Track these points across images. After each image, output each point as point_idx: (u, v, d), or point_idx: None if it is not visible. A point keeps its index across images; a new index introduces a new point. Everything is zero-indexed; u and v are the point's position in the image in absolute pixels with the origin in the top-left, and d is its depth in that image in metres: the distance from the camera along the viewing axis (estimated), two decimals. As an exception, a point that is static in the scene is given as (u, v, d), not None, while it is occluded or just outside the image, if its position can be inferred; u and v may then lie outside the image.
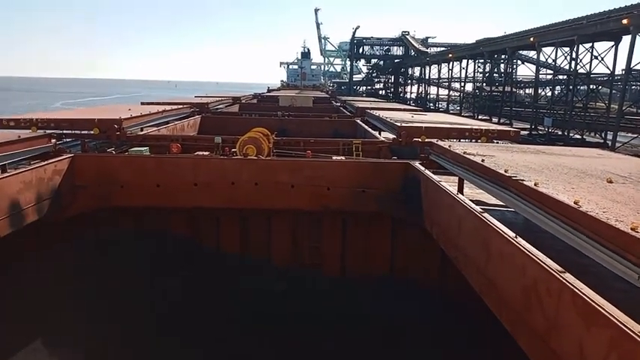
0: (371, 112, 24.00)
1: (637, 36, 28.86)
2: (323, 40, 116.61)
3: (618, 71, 36.73)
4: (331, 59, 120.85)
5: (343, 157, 14.53)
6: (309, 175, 12.35)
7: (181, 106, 24.11)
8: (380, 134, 19.26)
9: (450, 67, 73.10)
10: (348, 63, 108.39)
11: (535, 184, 6.54)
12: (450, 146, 11.15)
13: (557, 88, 46.33)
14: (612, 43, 34.89)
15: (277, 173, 12.39)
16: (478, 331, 9.96)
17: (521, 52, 55.24)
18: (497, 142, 14.83)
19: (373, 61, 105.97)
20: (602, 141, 35.56)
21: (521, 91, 72.94)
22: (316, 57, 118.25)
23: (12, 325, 9.63)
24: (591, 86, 39.32)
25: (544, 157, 9.94)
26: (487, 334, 8.90)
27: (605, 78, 39.82)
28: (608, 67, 36.55)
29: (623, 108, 34.30)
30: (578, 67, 37.62)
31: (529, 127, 43.11)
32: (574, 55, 37.73)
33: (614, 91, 38.68)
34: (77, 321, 10.31)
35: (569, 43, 38.30)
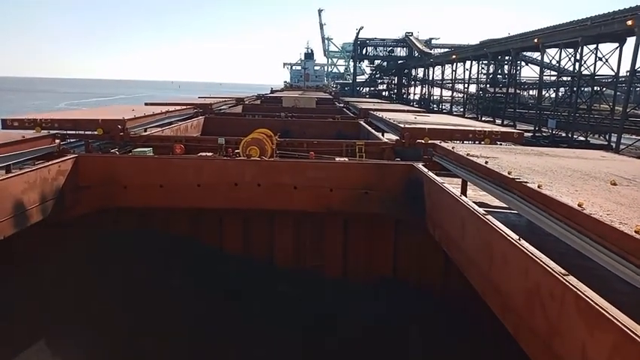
0: (374, 113, 23.99)
1: (642, 37, 28.77)
2: (326, 41, 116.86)
3: (623, 73, 36.65)
4: (334, 60, 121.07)
5: (346, 159, 14.53)
6: (312, 177, 12.35)
7: (185, 107, 24.16)
8: (383, 135, 19.24)
9: (454, 69, 73.05)
10: (352, 64, 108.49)
11: (539, 187, 6.53)
12: (453, 148, 11.13)
13: (561, 89, 46.32)
14: (617, 44, 34.81)
15: (280, 174, 12.40)
16: (481, 334, 9.94)
17: (525, 53, 55.20)
18: (501, 144, 14.78)
19: (376, 62, 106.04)
20: (606, 143, 35.47)
21: (525, 93, 72.82)
22: (320, 58, 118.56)
23: (15, 325, 9.66)
24: (595, 88, 39.24)
25: (548, 159, 9.92)
26: (490, 337, 8.88)
27: (609, 79, 39.69)
28: (612, 69, 36.51)
29: (628, 110, 34.19)
30: (583, 68, 37.53)
31: (533, 128, 43.01)
32: (578, 57, 37.66)
33: (618, 93, 38.54)
34: (80, 321, 10.35)
35: (573, 44, 38.22)
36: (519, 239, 6.10)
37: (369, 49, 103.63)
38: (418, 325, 11.33)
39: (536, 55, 53.07)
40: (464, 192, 10.04)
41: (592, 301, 4.37)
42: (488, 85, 61.68)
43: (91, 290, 11.05)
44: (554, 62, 44.50)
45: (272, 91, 72.39)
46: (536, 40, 43.17)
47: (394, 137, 17.11)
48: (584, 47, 36.82)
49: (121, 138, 14.99)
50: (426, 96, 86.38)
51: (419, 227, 11.38)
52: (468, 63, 67.81)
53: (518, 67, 59.79)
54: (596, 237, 5.06)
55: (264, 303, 12.13)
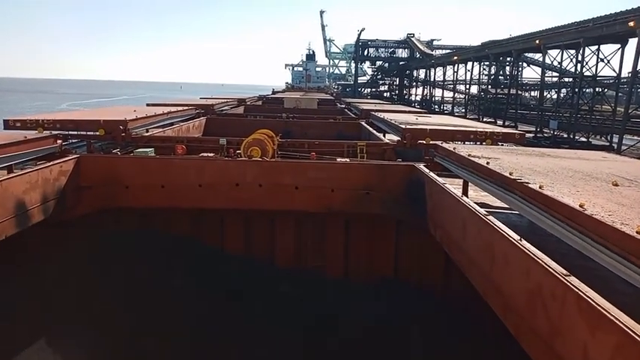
0: (375, 114, 23.98)
1: (643, 38, 28.75)
2: (328, 42, 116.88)
3: (624, 74, 36.63)
4: (336, 61, 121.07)
5: (347, 159, 14.53)
6: (314, 177, 12.35)
7: (186, 108, 24.18)
8: (384, 136, 19.24)
9: (455, 70, 73.07)
10: (353, 65, 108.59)
11: (540, 187, 6.52)
12: (454, 148, 11.12)
13: (563, 90, 46.24)
14: (618, 45, 34.78)
15: (281, 175, 12.40)
16: (482, 334, 9.92)
17: (526, 54, 55.17)
18: (502, 145, 14.77)
19: (378, 63, 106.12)
20: (607, 144, 35.42)
21: (527, 94, 72.79)
22: (321, 59, 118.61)
23: (17, 325, 9.68)
24: (597, 89, 39.19)
25: (549, 159, 9.90)
26: (491, 338, 8.87)
27: (611, 81, 39.65)
28: (614, 70, 36.46)
29: (629, 111, 34.18)
30: (584, 69, 37.50)
31: (534, 129, 42.99)
32: (580, 58, 37.62)
33: (620, 94, 38.51)
34: (81, 321, 10.36)
35: (575, 45, 38.21)
36: (521, 240, 6.09)
37: (371, 50, 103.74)
38: (419, 326, 11.32)
39: (537, 56, 53.09)
40: (465, 193, 10.03)
41: (593, 301, 4.36)
42: (489, 86, 61.68)
43: (92, 290, 11.06)
44: (555, 63, 44.52)
45: (273, 92, 72.48)
46: (537, 42, 43.16)
47: (395, 138, 17.11)
48: (586, 48, 36.79)
49: (123, 138, 15.01)
50: (428, 97, 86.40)
51: (420, 228, 11.37)
52: (469, 64, 67.79)
53: (520, 68, 59.77)
54: (598, 238, 5.05)
55: (265, 303, 12.12)
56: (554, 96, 49.73)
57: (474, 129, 16.19)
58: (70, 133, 14.90)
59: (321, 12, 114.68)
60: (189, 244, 13.02)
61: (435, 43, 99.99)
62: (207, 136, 20.18)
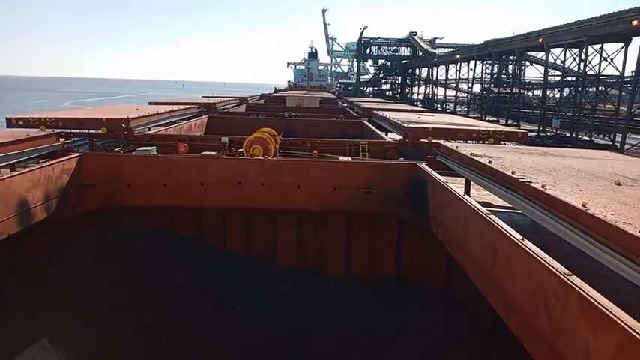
0: (378, 112, 23.97)
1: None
2: (330, 41, 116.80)
3: (628, 73, 36.52)
4: (338, 60, 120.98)
5: (350, 158, 14.52)
6: (315, 176, 12.35)
7: (189, 106, 24.21)
8: (387, 135, 19.22)
9: (458, 68, 72.95)
10: (355, 63, 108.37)
11: (542, 186, 6.51)
12: (456, 147, 11.11)
13: (566, 89, 46.07)
14: (622, 44, 34.65)
15: (283, 173, 12.40)
16: (484, 334, 9.91)
17: (529, 53, 55.02)
18: (505, 144, 14.75)
19: (380, 61, 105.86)
20: (610, 143, 35.34)
21: (529, 93, 72.64)
22: (323, 57, 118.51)
23: (19, 323, 9.71)
24: (600, 88, 39.08)
25: (552, 159, 9.88)
26: (493, 337, 8.86)
27: (614, 79, 39.56)
28: (617, 69, 36.38)
29: (633, 110, 34.08)
30: (587, 68, 37.39)
31: (537, 128, 42.91)
32: (583, 57, 37.52)
33: (623, 93, 38.39)
34: (83, 319, 10.39)
35: (578, 44, 38.10)
36: (523, 239, 6.08)
37: (373, 48, 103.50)
38: (421, 325, 11.31)
39: (540, 55, 52.98)
40: (467, 192, 10.03)
41: (596, 301, 4.35)
42: (492, 85, 61.55)
43: (94, 288, 11.09)
44: (558, 62, 44.39)
45: (276, 91, 72.46)
46: (540, 40, 43.04)
47: (398, 137, 17.10)
48: (589, 47, 36.68)
49: (125, 137, 15.05)
50: (430, 96, 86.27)
51: (422, 227, 11.37)
52: (472, 63, 67.67)
53: (523, 67, 59.60)
54: (600, 237, 5.04)
55: (266, 301, 12.13)
56: (557, 95, 49.52)
57: (476, 128, 16.17)
58: (73, 131, 14.96)
59: (324, 10, 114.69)
60: (190, 243, 13.04)
61: (437, 41, 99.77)
62: (209, 135, 20.18)
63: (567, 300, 4.79)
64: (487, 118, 52.17)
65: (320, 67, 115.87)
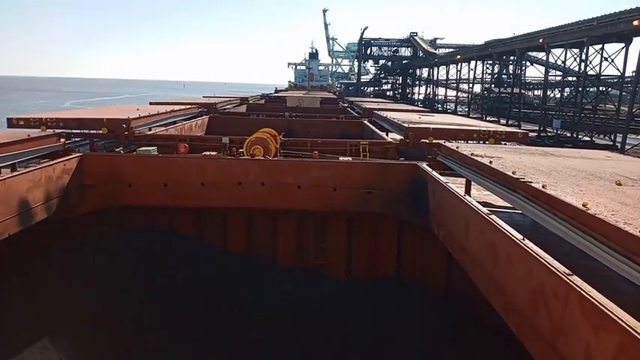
0: (378, 112, 23.95)
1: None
2: (331, 41, 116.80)
3: (628, 73, 36.51)
4: (339, 60, 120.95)
5: (350, 158, 14.51)
6: (316, 176, 12.35)
7: (189, 106, 24.20)
8: (387, 135, 19.20)
9: (459, 69, 73.00)
10: (356, 64, 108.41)
11: (543, 186, 6.50)
12: (457, 147, 11.10)
13: (567, 89, 46.07)
14: (623, 44, 34.65)
15: (284, 173, 12.40)
16: (484, 334, 9.91)
17: (530, 53, 55.03)
18: (505, 144, 14.74)
19: (381, 61, 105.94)
20: (611, 143, 35.35)
21: (530, 93, 72.64)
22: (324, 58, 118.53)
23: (19, 323, 9.72)
24: (601, 88, 39.09)
25: (552, 159, 9.88)
26: (493, 337, 8.85)
27: (615, 80, 39.54)
28: (618, 69, 36.40)
29: (633, 110, 34.05)
30: (588, 68, 37.39)
31: (537, 128, 42.93)
32: (584, 57, 37.52)
33: (624, 93, 38.38)
34: (83, 319, 10.40)
35: (578, 44, 38.11)
36: (523, 239, 6.08)
37: (374, 49, 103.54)
38: (421, 325, 11.31)
39: (541, 55, 52.98)
40: (468, 192, 10.02)
41: (596, 301, 4.35)
42: (493, 85, 61.57)
43: (94, 288, 11.10)
44: (559, 62, 44.39)
45: (276, 91, 72.49)
46: (541, 40, 43.06)
47: (398, 137, 17.09)
48: (590, 47, 36.67)
49: (126, 137, 15.05)
50: (431, 96, 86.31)
51: (423, 227, 11.36)
52: (472, 63, 67.71)
53: (523, 67, 59.61)
54: (601, 237, 5.03)
55: (266, 302, 12.14)
56: (558, 95, 49.54)
57: (477, 128, 16.16)
58: (73, 131, 14.95)
59: (324, 10, 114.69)
60: (191, 243, 13.05)
61: (438, 42, 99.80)
62: (209, 135, 20.18)
63: (568, 300, 4.79)
64: (488, 119, 52.19)
65: (321, 68, 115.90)
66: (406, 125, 16.08)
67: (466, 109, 69.72)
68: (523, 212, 7.41)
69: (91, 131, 15.19)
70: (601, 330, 4.23)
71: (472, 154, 9.64)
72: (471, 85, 70.78)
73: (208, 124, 23.55)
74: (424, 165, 12.04)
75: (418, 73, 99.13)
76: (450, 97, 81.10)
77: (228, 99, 35.69)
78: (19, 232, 9.49)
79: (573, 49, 39.83)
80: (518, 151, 11.13)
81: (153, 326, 11.02)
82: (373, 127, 21.57)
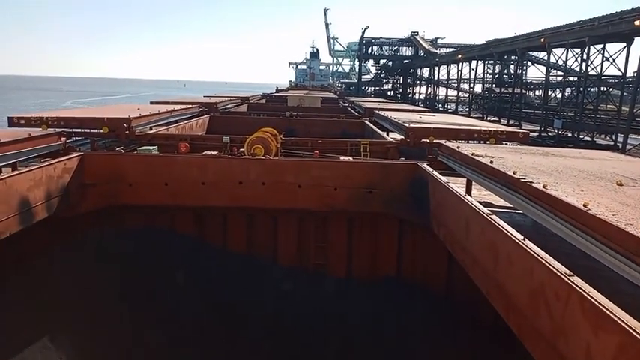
0: (379, 112, 23.95)
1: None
2: (332, 41, 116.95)
3: (630, 73, 36.46)
4: (340, 59, 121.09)
5: (351, 158, 14.51)
6: (317, 176, 12.34)
7: (190, 106, 24.21)
8: (388, 135, 19.20)
9: (460, 68, 72.94)
10: (357, 63, 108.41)
11: (544, 187, 6.50)
12: (458, 147, 11.10)
13: (568, 89, 46.04)
14: (624, 44, 34.61)
15: (284, 173, 12.40)
16: (485, 334, 9.91)
17: (531, 53, 54.99)
18: (506, 144, 14.73)
19: (382, 61, 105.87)
20: (612, 143, 35.31)
21: (531, 93, 72.57)
22: (325, 57, 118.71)
23: (20, 322, 9.73)
24: (602, 88, 39.07)
25: (553, 159, 9.87)
26: (494, 337, 8.85)
27: (616, 80, 39.50)
28: (619, 69, 36.37)
29: (635, 110, 34.01)
30: (589, 68, 37.35)
31: (538, 128, 42.89)
32: (585, 57, 37.48)
33: (625, 94, 38.34)
34: (84, 319, 10.41)
35: (580, 44, 38.07)
36: (524, 239, 6.07)
37: (375, 48, 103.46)
38: (422, 325, 11.31)
39: (542, 55, 52.91)
40: (468, 192, 10.02)
41: (597, 301, 4.34)
42: (494, 85, 61.53)
43: (95, 287, 11.11)
44: (560, 62, 44.35)
45: (277, 90, 72.52)
46: (542, 40, 43.01)
47: (399, 137, 17.09)
48: (591, 47, 36.63)
49: (127, 136, 15.06)
50: (432, 95, 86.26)
51: (423, 227, 11.36)
52: (473, 63, 67.68)
53: (524, 67, 59.58)
54: (602, 238, 5.03)
55: (266, 301, 12.14)
56: (559, 95, 49.50)
57: (477, 128, 16.16)
58: (74, 130, 14.97)
59: (325, 10, 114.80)
60: (191, 242, 13.05)
61: (439, 41, 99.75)
62: (210, 135, 20.18)
63: (568, 300, 4.79)
64: (489, 119, 52.16)
65: (321, 67, 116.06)
66: (407, 125, 16.08)
67: (467, 109, 69.69)
68: (524, 212, 7.41)
69: (92, 130, 15.21)
70: (601, 330, 4.23)
71: (473, 154, 9.64)
72: (471, 85, 70.75)
73: (209, 124, 23.56)
74: (425, 165, 12.03)
75: (419, 73, 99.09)
76: (450, 97, 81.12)
77: (228, 98, 35.68)
78: (20, 231, 9.50)
79: (574, 49, 39.79)
80: (519, 152, 11.13)
81: (153, 326, 11.02)
82: (374, 127, 21.57)
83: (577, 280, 4.78)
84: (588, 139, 37.70)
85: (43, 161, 11.48)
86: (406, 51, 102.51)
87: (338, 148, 15.59)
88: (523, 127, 42.55)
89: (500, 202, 9.22)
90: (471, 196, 9.37)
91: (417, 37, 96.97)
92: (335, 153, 14.89)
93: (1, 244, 8.89)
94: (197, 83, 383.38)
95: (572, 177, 7.63)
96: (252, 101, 40.89)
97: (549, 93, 51.53)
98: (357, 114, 30.15)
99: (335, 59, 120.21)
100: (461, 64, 71.83)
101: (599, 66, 37.06)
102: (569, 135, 39.52)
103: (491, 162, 8.62)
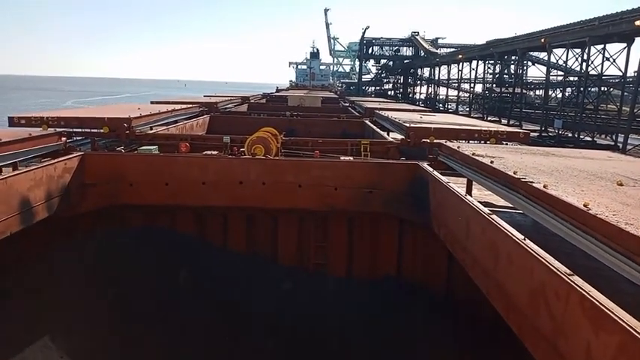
0: (379, 112, 23.94)
1: (650, 37, 28.61)
2: (332, 40, 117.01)
3: (630, 73, 36.44)
4: (340, 59, 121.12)
5: (351, 158, 14.51)
6: (317, 175, 12.35)
7: (190, 106, 24.20)
8: (388, 135, 19.20)
9: (460, 68, 72.95)
10: (357, 63, 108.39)
11: (544, 186, 6.49)
12: (458, 147, 11.09)
13: (568, 89, 46.04)
14: (624, 44, 34.60)
15: (285, 173, 12.40)
16: (485, 333, 9.90)
17: (531, 53, 54.98)
18: (507, 144, 14.73)
19: (382, 61, 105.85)
20: (613, 143, 35.30)
21: (532, 93, 72.57)
22: (325, 57, 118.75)
23: (21, 322, 9.73)
24: (602, 88, 39.04)
25: (554, 159, 9.87)
26: (494, 337, 8.85)
27: (616, 80, 39.49)
28: (619, 69, 36.36)
29: (635, 110, 33.99)
30: (590, 68, 37.34)
31: (539, 128, 42.89)
32: (585, 57, 37.47)
33: (625, 94, 38.33)
34: (84, 319, 10.41)
35: (580, 44, 38.06)
36: (524, 239, 6.07)
37: (375, 48, 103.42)
38: (422, 325, 11.31)
39: (542, 55, 52.89)
40: (469, 191, 10.01)
41: (597, 301, 4.34)
42: (494, 85, 61.51)
43: (95, 287, 11.11)
44: (561, 62, 44.33)
45: (277, 90, 72.53)
46: (543, 40, 43.00)
47: (399, 136, 17.09)
48: (592, 47, 36.62)
49: (127, 136, 15.06)
50: (432, 95, 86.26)
51: (423, 226, 11.36)
52: (474, 63, 67.66)
53: (525, 67, 59.58)
54: (602, 237, 5.03)
55: (267, 301, 12.14)
56: (559, 95, 49.47)
57: (478, 128, 16.15)
58: (75, 130, 14.97)
59: (326, 10, 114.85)
60: (192, 242, 13.06)
61: (439, 41, 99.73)
62: (210, 134, 20.19)
63: (569, 300, 4.79)
64: (489, 118, 52.17)
65: (322, 67, 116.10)
66: (407, 125, 16.07)
67: (467, 109, 69.68)
68: (524, 212, 7.41)
69: (92, 130, 15.21)
70: (602, 330, 4.23)
71: (473, 154, 9.64)
72: (472, 85, 70.75)
73: (209, 124, 23.56)
74: (425, 165, 12.03)
75: (419, 73, 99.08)
76: (451, 97, 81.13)
77: (229, 98, 35.67)
78: (20, 231, 9.50)
79: (575, 49, 39.77)
80: (519, 151, 11.12)
81: (153, 326, 11.02)
82: (374, 127, 21.57)
83: (577, 280, 4.78)
84: (589, 139, 37.69)
85: (44, 161, 11.48)
86: (406, 51, 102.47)
87: (338, 147, 15.59)
88: (524, 127, 42.54)
89: (501, 202, 9.22)
90: (471, 195, 9.36)
91: (417, 37, 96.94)
92: (335, 153, 14.89)
93: (1, 244, 8.89)
94: (197, 83, 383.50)
95: (572, 177, 7.62)
96: (252, 101, 40.89)
97: (550, 93, 51.51)
98: (357, 114, 30.15)
99: (335, 59, 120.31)
100: (461, 64, 71.83)
101: (600, 66, 37.06)
102: (570, 135, 39.51)
103: (491, 162, 8.62)
